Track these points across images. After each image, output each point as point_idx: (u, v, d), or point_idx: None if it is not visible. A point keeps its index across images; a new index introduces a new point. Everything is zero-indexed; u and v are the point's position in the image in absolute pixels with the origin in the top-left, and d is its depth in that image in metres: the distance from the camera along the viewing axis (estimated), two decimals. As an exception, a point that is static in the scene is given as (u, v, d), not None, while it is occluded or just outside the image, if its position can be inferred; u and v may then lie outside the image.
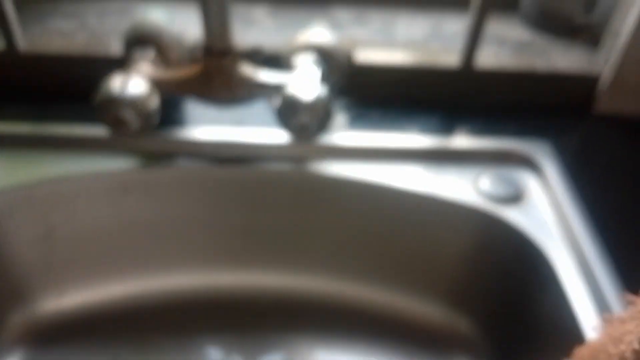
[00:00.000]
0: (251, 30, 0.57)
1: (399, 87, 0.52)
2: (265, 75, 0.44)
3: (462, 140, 0.49)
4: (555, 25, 0.57)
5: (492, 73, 0.51)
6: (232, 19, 0.41)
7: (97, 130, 0.46)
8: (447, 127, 0.51)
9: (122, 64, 0.46)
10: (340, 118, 0.51)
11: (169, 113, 0.48)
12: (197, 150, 0.47)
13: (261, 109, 0.48)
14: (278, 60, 0.49)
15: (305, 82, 0.43)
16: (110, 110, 0.40)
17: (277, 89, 0.44)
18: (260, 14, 0.59)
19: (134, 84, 0.40)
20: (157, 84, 0.43)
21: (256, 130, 0.47)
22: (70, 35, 0.54)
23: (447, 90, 0.52)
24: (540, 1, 0.57)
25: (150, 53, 0.45)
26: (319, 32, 0.48)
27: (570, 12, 0.57)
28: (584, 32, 0.57)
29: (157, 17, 0.48)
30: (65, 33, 0.54)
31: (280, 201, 0.49)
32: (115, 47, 0.50)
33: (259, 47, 0.52)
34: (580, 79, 0.53)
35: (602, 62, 0.53)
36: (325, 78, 0.47)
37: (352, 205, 0.49)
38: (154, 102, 0.41)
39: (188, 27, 0.48)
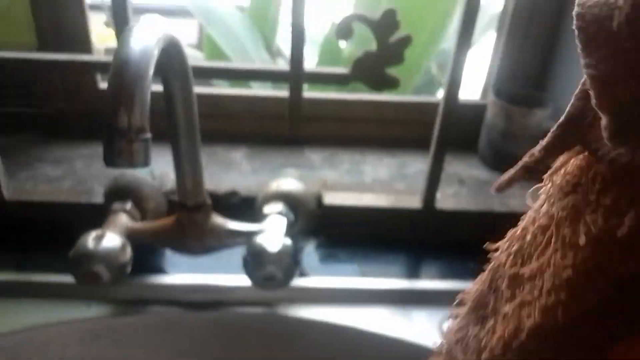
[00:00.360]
0: (229, 172, 0.60)
1: (366, 227, 0.55)
2: (235, 226, 0.47)
3: (426, 283, 0.51)
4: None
5: (452, 213, 0.55)
6: (208, 168, 0.45)
7: (71, 279, 0.47)
8: (412, 266, 0.53)
9: (104, 210, 0.49)
10: (309, 259, 0.53)
11: (143, 259, 0.50)
12: (167, 296, 0.48)
13: (232, 255, 0.50)
14: (253, 202, 0.53)
15: (270, 233, 0.45)
16: (83, 266, 0.42)
17: (246, 238, 0.46)
18: (238, 156, 0.63)
19: (108, 239, 0.43)
20: (132, 234, 0.45)
21: (226, 276, 0.49)
22: (57, 182, 0.57)
23: (412, 229, 0.55)
24: (494, 143, 0.62)
25: (128, 204, 0.48)
26: (288, 182, 0.51)
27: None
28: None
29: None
30: (51, 179, 0.58)
31: (250, 343, 0.50)
32: (99, 193, 0.53)
33: (235, 191, 0.56)
34: (537, 217, 0.56)
35: (556, 200, 0.56)
36: (294, 224, 0.49)
37: (321, 346, 0.49)
38: (126, 256, 0.43)
39: (169, 168, 0.52)
